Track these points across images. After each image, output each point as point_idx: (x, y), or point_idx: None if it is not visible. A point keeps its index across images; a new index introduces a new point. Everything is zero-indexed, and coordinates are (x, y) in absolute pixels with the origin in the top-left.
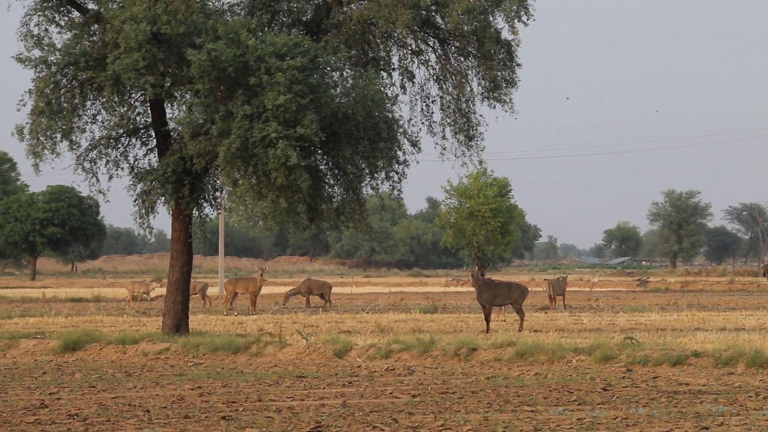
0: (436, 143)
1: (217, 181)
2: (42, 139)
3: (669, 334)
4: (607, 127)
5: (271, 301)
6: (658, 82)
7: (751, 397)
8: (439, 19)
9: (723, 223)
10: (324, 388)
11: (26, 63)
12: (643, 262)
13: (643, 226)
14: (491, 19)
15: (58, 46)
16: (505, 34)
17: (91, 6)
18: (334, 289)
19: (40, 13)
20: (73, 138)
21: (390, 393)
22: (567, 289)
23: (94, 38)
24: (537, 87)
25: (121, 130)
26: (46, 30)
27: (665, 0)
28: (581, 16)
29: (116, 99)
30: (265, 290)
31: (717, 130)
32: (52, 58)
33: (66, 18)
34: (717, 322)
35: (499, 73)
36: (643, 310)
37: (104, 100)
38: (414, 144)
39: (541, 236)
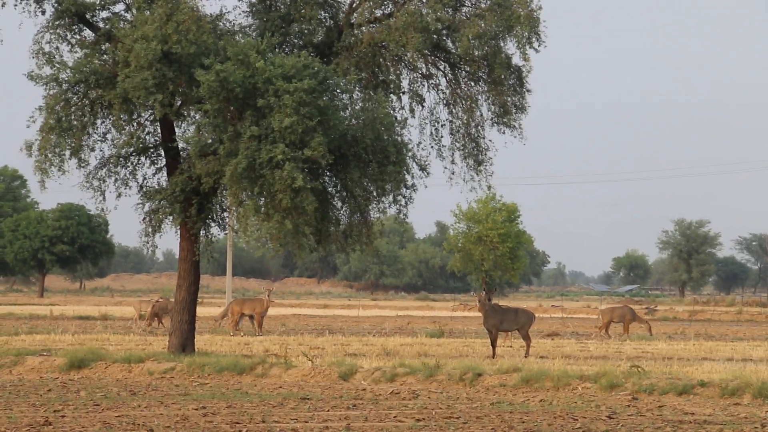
0: (445, 167)
1: (225, 202)
2: (50, 156)
3: (676, 363)
4: (618, 155)
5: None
6: (667, 108)
7: (756, 428)
8: (450, 44)
9: (732, 253)
10: (328, 411)
11: (37, 80)
12: (650, 292)
13: (652, 254)
14: (502, 44)
15: (69, 64)
16: (516, 60)
17: (102, 25)
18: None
19: (51, 31)
20: (82, 156)
21: (394, 417)
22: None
23: (105, 57)
24: (547, 111)
25: (131, 149)
26: (57, 48)
27: (680, 28)
28: (589, 39)
29: (125, 117)
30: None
31: (728, 159)
32: (63, 76)
33: (77, 36)
34: (724, 352)
35: (509, 99)
36: (650, 339)
37: (114, 118)
38: (423, 168)
39: (549, 262)
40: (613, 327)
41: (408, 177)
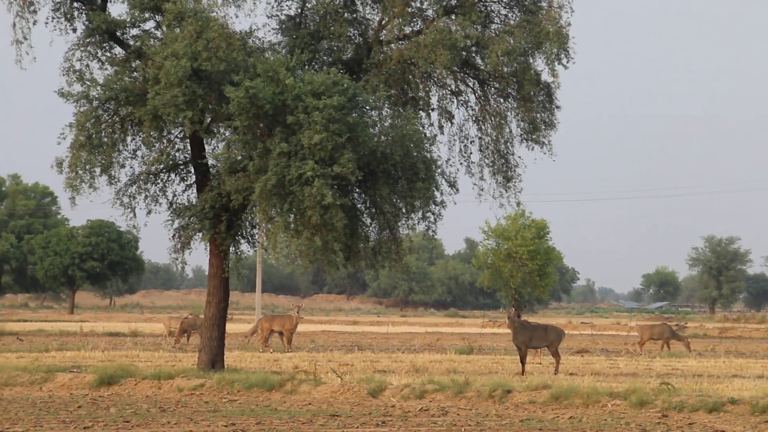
0: (474, 184)
1: (254, 218)
2: (81, 172)
3: (706, 380)
4: (648, 171)
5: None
6: (697, 123)
7: None
8: (478, 60)
9: (763, 270)
10: (357, 428)
11: (68, 97)
12: (679, 308)
13: (682, 271)
14: (531, 61)
15: (100, 81)
16: (545, 76)
17: (132, 42)
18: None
19: (82, 49)
20: (113, 173)
21: None
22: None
23: (135, 74)
24: (576, 126)
25: (161, 166)
26: (88, 65)
27: (713, 42)
28: (620, 57)
29: (155, 134)
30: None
31: (757, 175)
32: (94, 93)
33: (108, 54)
34: (755, 369)
35: (538, 115)
36: (680, 356)
37: (144, 135)
38: (452, 185)
39: (578, 279)
40: (649, 344)
41: (437, 194)
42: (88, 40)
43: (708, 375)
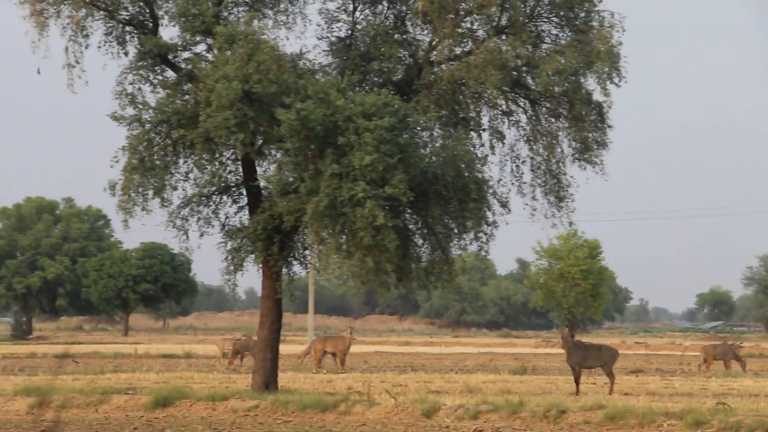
0: (526, 204)
1: (306, 240)
2: (133, 195)
3: (762, 400)
4: (701, 189)
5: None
6: (752, 140)
7: None
8: (529, 80)
9: None
10: None
11: (120, 121)
12: (734, 328)
13: (736, 290)
14: (582, 80)
15: (152, 104)
16: (597, 96)
17: (184, 65)
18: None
19: (134, 72)
20: (165, 195)
21: None
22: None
23: (187, 97)
24: (629, 148)
25: (213, 188)
26: (140, 89)
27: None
28: (673, 76)
29: (207, 157)
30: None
31: None
32: (146, 116)
33: (160, 77)
34: None
35: (589, 135)
36: (736, 376)
37: (196, 158)
38: (503, 205)
39: (632, 299)
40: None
41: (489, 214)
42: (140, 64)
43: (765, 395)
